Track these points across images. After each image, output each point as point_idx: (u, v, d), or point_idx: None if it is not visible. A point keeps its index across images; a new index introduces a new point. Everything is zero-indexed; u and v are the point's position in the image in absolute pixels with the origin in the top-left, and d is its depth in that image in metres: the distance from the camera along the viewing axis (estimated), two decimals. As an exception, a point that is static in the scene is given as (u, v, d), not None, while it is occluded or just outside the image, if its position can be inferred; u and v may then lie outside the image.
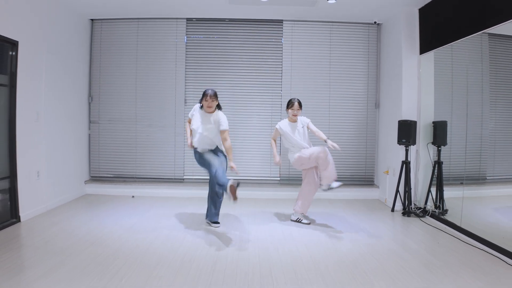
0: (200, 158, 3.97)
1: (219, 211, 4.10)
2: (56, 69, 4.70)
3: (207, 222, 4.12)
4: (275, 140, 4.38)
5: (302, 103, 5.43)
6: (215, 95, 3.89)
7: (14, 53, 3.96)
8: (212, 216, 4.07)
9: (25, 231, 3.76)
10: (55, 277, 2.72)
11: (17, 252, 3.21)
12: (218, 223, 4.08)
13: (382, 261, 3.18)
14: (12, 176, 3.98)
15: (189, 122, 4.07)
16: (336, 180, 4.10)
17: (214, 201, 4.05)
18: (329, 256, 3.26)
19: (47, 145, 4.53)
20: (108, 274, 2.81)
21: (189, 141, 4.05)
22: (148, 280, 2.73)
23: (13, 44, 3.95)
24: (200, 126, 3.88)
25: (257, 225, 4.14)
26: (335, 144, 3.96)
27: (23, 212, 4.08)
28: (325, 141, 4.06)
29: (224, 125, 3.89)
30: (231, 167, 3.81)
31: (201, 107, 3.94)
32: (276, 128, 4.25)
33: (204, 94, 3.89)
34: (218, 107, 4.00)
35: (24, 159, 4.09)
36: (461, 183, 4.79)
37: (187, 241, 3.59)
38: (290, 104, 4.17)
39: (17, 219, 4.02)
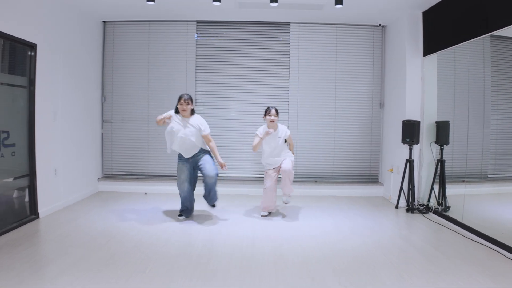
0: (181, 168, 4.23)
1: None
2: (71, 70, 4.85)
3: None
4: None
5: (309, 103, 5.71)
6: (190, 99, 4.11)
7: (32, 56, 4.10)
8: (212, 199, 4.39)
9: (45, 227, 3.92)
10: (80, 269, 2.87)
11: (40, 246, 3.38)
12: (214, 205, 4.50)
13: (388, 254, 3.34)
14: (31, 174, 4.13)
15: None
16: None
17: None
18: (339, 250, 3.42)
19: (63, 144, 4.69)
20: (132, 265, 2.98)
21: (162, 116, 4.08)
22: (171, 270, 2.90)
23: (32, 47, 4.09)
24: (181, 130, 4.09)
25: (267, 222, 4.30)
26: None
27: (42, 209, 4.24)
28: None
29: (206, 130, 4.16)
30: (221, 165, 4.16)
31: (176, 111, 4.15)
32: (256, 134, 4.47)
33: (179, 98, 4.10)
34: (192, 111, 4.19)
35: (42, 157, 4.24)
36: (463, 181, 4.97)
37: (203, 235, 3.76)
38: (267, 111, 4.44)
39: (36, 215, 4.17)
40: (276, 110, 4.44)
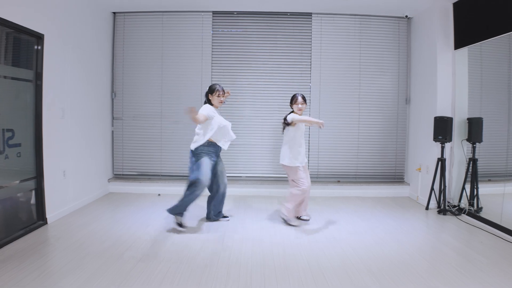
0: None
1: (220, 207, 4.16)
2: (80, 64, 4.52)
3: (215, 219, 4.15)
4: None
5: (332, 98, 5.45)
6: (222, 89, 3.95)
7: (40, 47, 3.77)
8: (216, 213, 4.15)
9: (55, 234, 3.60)
10: (99, 284, 2.58)
11: (52, 257, 3.05)
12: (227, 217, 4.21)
13: (431, 261, 3.10)
14: (38, 176, 3.81)
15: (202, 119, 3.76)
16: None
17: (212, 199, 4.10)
18: (378, 257, 3.15)
19: (72, 143, 4.36)
20: (156, 278, 2.68)
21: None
22: (200, 284, 2.60)
23: (39, 38, 3.76)
24: (224, 121, 3.88)
25: (295, 227, 3.99)
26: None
27: (50, 214, 3.92)
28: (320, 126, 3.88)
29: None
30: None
31: (211, 103, 3.91)
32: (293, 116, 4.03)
33: (217, 90, 3.87)
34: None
35: (50, 158, 3.92)
36: (489, 180, 4.73)
37: (227, 243, 3.46)
38: (294, 99, 4.07)
39: (44, 221, 3.86)
40: (303, 97, 4.07)
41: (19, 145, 3.54)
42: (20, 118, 3.58)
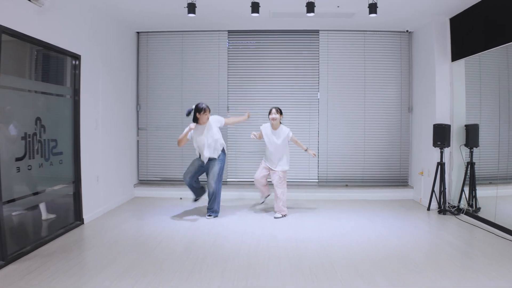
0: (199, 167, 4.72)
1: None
2: (109, 80, 5.01)
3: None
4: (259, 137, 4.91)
5: (339, 108, 5.87)
6: (208, 108, 4.59)
7: (77, 66, 4.25)
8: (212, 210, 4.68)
9: (92, 232, 4.04)
10: (138, 272, 2.96)
11: (92, 252, 3.46)
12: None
13: (430, 254, 3.45)
14: (76, 181, 4.27)
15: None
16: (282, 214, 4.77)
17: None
18: (381, 251, 3.50)
19: (103, 151, 4.83)
20: (187, 267, 3.08)
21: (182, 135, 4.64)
22: (224, 273, 2.99)
23: (76, 58, 4.25)
24: (204, 138, 4.56)
25: (307, 226, 4.37)
26: (314, 153, 4.89)
27: (86, 215, 4.37)
28: (306, 150, 4.87)
29: (221, 119, 4.78)
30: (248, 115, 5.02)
31: (196, 121, 4.59)
32: (260, 129, 4.88)
33: (199, 109, 4.54)
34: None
35: (86, 165, 4.38)
36: (490, 183, 5.02)
37: (247, 238, 3.86)
38: (269, 112, 4.77)
39: (81, 221, 4.31)
40: (277, 109, 4.74)
41: (61, 153, 4.00)
42: (61, 129, 4.05)
